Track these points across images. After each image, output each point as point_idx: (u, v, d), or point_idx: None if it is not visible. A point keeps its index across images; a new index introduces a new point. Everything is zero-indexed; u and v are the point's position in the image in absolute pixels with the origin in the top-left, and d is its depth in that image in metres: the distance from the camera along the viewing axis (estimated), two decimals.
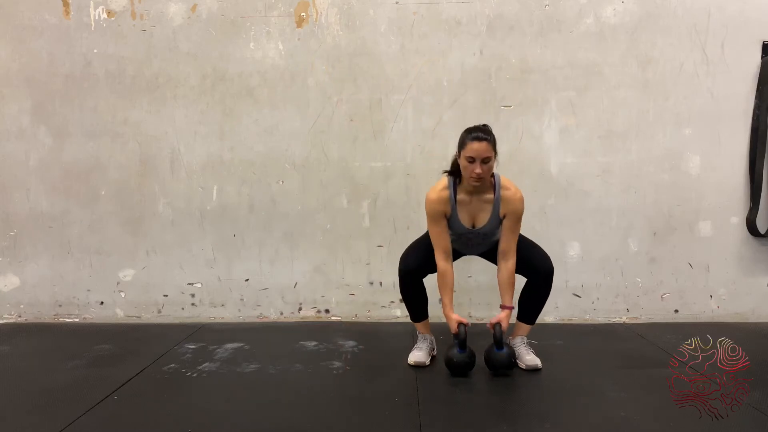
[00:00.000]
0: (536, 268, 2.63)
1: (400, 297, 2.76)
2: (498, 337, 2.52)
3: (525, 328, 2.74)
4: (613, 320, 3.50)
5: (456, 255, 2.75)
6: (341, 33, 3.45)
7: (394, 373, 2.59)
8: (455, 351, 2.56)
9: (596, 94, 3.43)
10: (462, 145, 2.46)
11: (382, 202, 3.51)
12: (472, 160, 2.41)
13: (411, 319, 2.81)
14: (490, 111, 3.43)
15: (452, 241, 2.65)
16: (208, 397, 2.34)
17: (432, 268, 2.67)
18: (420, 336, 2.80)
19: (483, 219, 2.60)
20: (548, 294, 2.68)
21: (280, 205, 3.53)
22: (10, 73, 3.49)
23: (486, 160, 2.41)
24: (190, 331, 3.28)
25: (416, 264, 2.66)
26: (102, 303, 3.58)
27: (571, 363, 2.72)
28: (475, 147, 2.39)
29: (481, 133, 2.42)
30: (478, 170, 2.41)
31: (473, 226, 2.62)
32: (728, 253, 3.49)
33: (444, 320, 3.35)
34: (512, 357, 2.58)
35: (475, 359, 2.57)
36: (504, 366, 2.55)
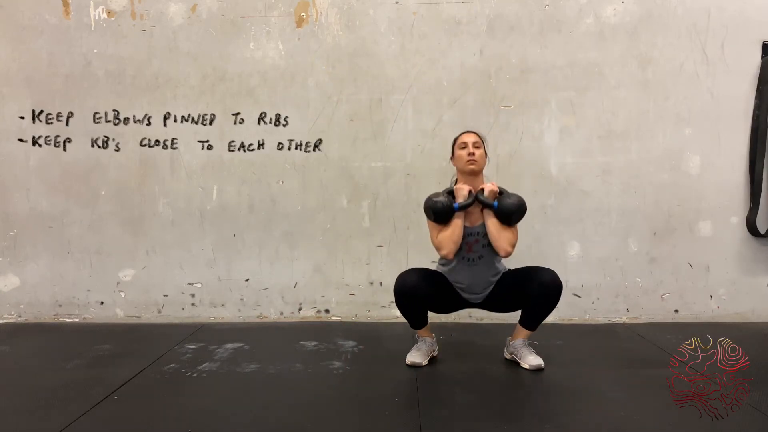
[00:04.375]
0: (544, 282, 2.56)
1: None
2: (483, 198, 2.56)
3: (525, 332, 2.72)
4: (613, 320, 3.50)
5: (457, 304, 2.73)
6: (341, 33, 3.45)
7: (394, 373, 2.59)
8: (450, 201, 2.56)
9: (596, 94, 3.43)
10: (453, 143, 2.72)
11: (382, 202, 3.51)
12: (464, 145, 2.63)
13: (410, 326, 2.78)
14: (490, 111, 3.43)
15: (453, 269, 2.65)
16: (208, 397, 2.34)
17: (428, 289, 2.61)
18: (420, 339, 2.79)
19: (478, 218, 2.63)
20: (553, 307, 2.61)
21: (280, 205, 3.53)
22: (10, 73, 3.49)
23: (477, 145, 2.62)
24: (190, 331, 3.28)
25: (413, 282, 2.57)
26: (102, 303, 3.58)
27: (571, 363, 2.72)
28: (465, 136, 2.67)
29: (469, 130, 2.74)
30: (471, 150, 2.60)
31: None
32: (728, 253, 3.49)
33: (443, 320, 3.36)
34: (515, 201, 2.56)
35: (450, 215, 2.56)
36: (516, 210, 2.54)
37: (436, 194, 2.61)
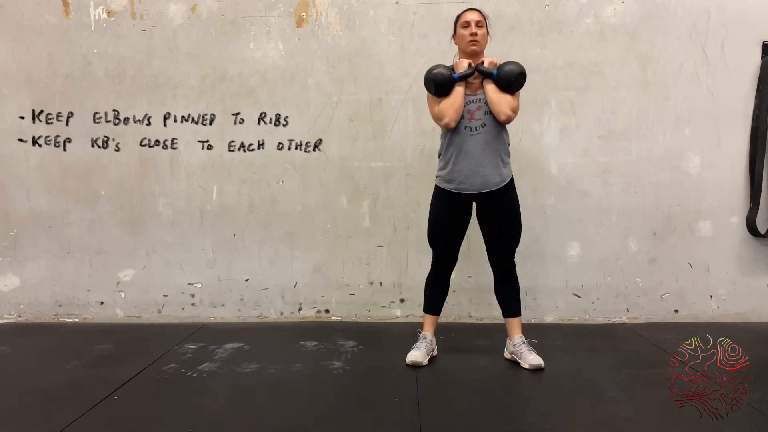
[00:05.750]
0: (494, 256, 2.72)
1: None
2: (483, 68, 2.55)
3: (516, 323, 2.73)
4: (613, 320, 3.50)
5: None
6: (341, 33, 3.45)
7: (394, 373, 2.59)
8: (450, 72, 2.56)
9: (596, 94, 3.43)
10: (456, 21, 2.69)
11: (382, 202, 3.51)
12: (467, 24, 2.61)
13: (424, 309, 2.81)
14: None
15: (455, 134, 2.62)
16: (208, 397, 2.34)
17: (458, 244, 2.76)
18: (420, 335, 2.79)
19: (479, 87, 2.63)
20: (516, 280, 2.73)
21: (280, 205, 3.53)
22: (10, 73, 3.49)
23: (479, 24, 2.60)
24: (190, 331, 3.28)
25: (454, 255, 2.74)
26: (102, 303, 3.58)
27: (571, 363, 2.73)
28: (468, 14, 2.63)
29: (472, 7, 2.74)
30: (473, 30, 2.58)
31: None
32: (728, 253, 3.49)
33: (443, 320, 3.35)
34: (515, 66, 2.56)
35: (451, 86, 2.56)
36: (517, 75, 2.55)
37: (436, 66, 2.61)
